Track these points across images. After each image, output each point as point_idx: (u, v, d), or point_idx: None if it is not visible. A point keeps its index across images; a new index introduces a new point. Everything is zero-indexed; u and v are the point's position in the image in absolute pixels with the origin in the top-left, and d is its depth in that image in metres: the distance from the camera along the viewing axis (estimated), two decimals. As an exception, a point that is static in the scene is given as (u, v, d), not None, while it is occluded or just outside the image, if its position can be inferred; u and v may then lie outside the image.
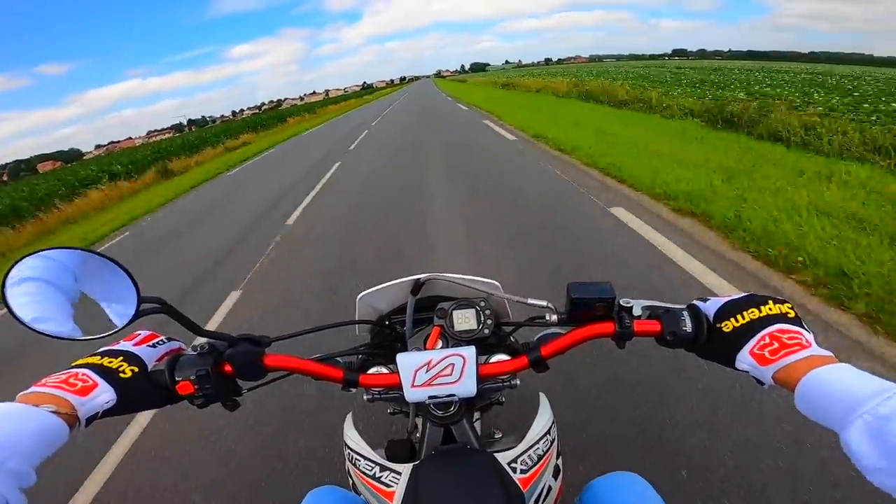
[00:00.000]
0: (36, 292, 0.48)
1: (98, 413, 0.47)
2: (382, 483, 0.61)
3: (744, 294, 0.52)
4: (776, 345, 0.45)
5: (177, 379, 0.54)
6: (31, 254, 0.48)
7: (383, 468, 0.62)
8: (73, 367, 0.49)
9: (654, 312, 0.56)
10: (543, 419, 0.66)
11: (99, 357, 0.51)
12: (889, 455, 0.31)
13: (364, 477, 0.63)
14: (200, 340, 0.57)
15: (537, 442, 0.63)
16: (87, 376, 0.47)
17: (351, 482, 0.68)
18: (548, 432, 0.65)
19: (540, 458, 0.62)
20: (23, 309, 0.47)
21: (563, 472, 0.67)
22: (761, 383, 0.47)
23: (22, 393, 0.43)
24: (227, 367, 0.56)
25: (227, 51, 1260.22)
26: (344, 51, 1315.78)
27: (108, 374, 0.49)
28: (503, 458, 0.61)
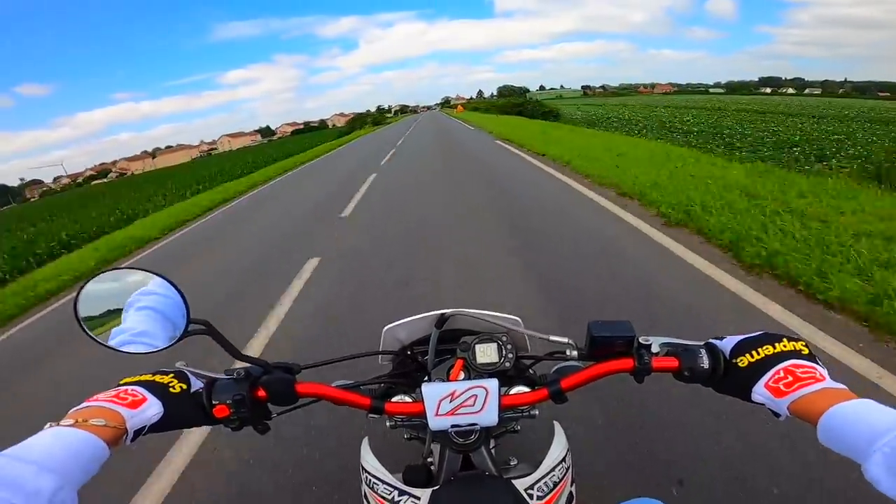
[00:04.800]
0: (101, 305, 0.66)
1: (145, 427, 0.59)
2: None
3: (759, 332, 0.64)
4: (790, 378, 0.55)
5: (214, 403, 0.66)
6: (103, 271, 0.67)
7: (402, 493, 0.74)
8: (122, 385, 0.62)
9: (673, 349, 0.68)
10: (559, 448, 0.79)
11: (151, 375, 0.65)
12: None
13: (382, 501, 0.75)
14: (237, 365, 0.70)
15: (553, 469, 0.75)
16: (137, 391, 0.60)
17: None
18: (563, 460, 0.78)
19: (556, 484, 0.74)
20: (87, 316, 0.65)
21: (576, 498, 0.80)
22: (777, 415, 0.57)
23: (74, 409, 0.55)
24: (261, 393, 0.69)
25: (221, 76, 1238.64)
26: (342, 79, 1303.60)
27: (158, 390, 0.62)
28: (520, 484, 0.72)
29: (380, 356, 0.95)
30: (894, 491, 0.40)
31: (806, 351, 0.59)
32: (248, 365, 0.71)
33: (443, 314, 0.86)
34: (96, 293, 0.65)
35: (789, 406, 0.53)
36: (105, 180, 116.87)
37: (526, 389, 0.77)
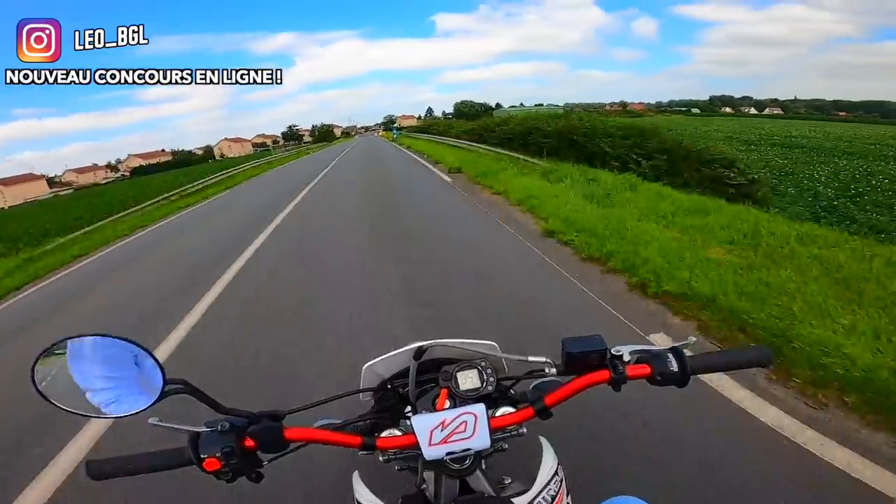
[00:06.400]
0: (64, 375, 0.64)
1: None
2: None
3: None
4: None
5: (203, 456, 0.68)
6: (63, 339, 0.64)
7: None
8: None
9: (643, 356, 0.77)
10: (549, 462, 0.85)
11: None
12: None
13: None
14: (219, 418, 0.72)
15: (548, 483, 0.80)
16: None
17: None
18: (556, 473, 0.83)
19: (553, 498, 0.79)
20: (48, 388, 0.63)
21: None
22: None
23: None
24: (249, 443, 0.72)
25: (143, 92, 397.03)
26: (278, 97, 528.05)
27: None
28: (520, 502, 0.77)
29: (360, 394, 1.01)
30: None
31: None
32: (230, 417, 0.74)
33: (420, 347, 0.91)
34: (57, 363, 0.65)
35: None
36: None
37: (511, 410, 0.84)
